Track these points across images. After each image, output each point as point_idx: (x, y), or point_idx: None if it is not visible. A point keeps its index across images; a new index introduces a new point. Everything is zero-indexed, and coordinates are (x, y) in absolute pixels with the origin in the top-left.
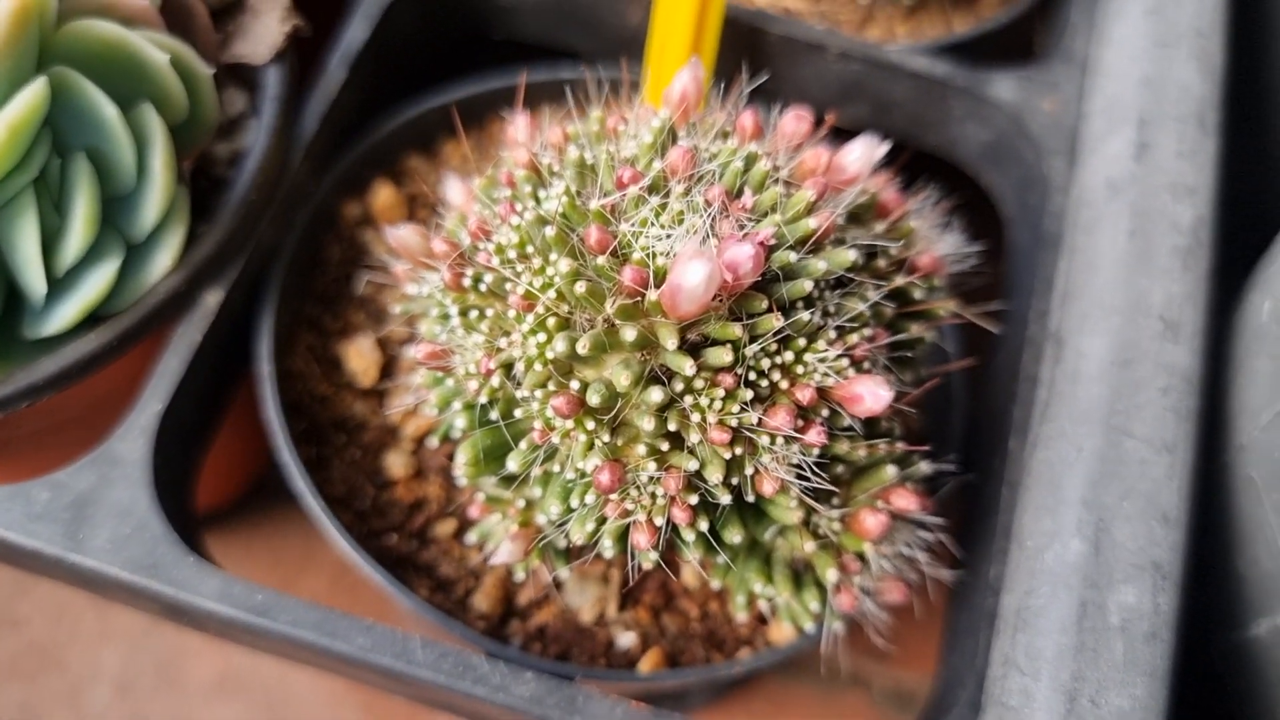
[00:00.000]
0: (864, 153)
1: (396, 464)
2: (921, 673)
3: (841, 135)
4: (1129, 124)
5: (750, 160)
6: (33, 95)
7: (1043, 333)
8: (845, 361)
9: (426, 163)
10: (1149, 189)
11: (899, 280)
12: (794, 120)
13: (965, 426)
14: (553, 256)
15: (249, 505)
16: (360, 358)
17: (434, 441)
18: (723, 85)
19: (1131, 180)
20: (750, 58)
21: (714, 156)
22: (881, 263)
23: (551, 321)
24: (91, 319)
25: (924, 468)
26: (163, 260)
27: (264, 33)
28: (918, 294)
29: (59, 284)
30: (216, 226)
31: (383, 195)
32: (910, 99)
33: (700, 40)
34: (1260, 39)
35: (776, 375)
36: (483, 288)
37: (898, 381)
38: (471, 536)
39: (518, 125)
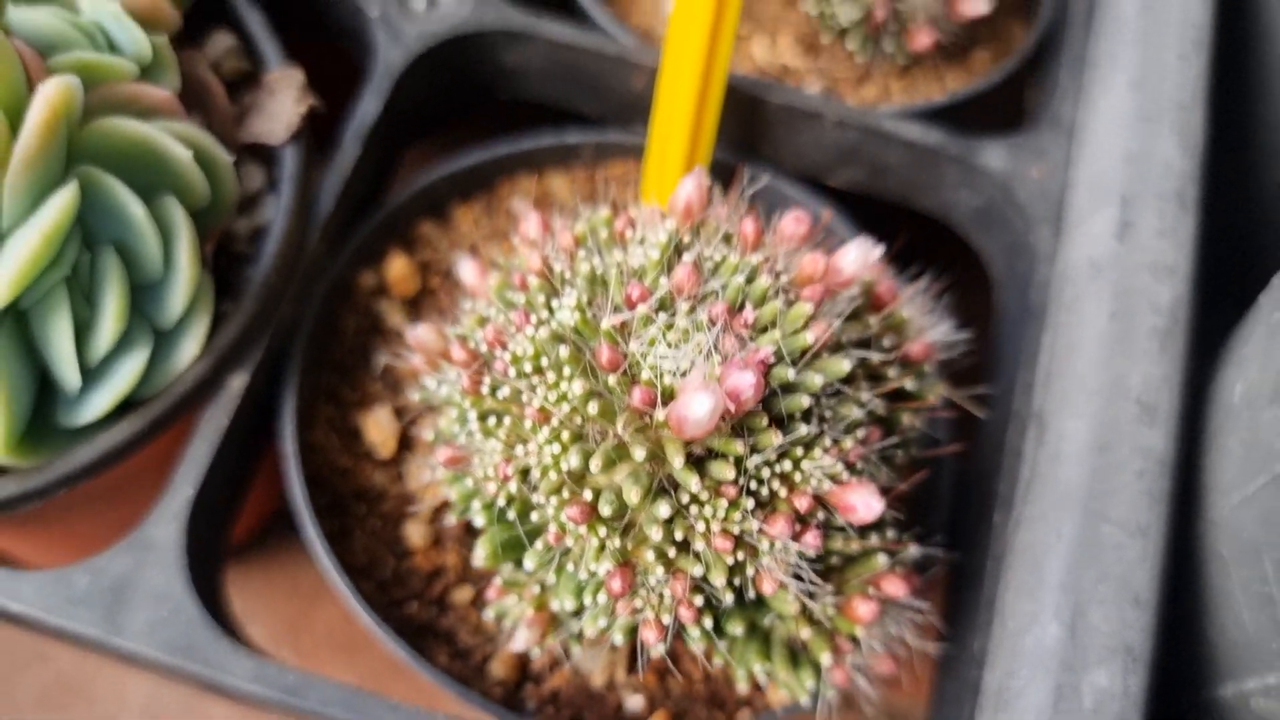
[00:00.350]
0: (859, 255)
1: (415, 533)
2: (914, 696)
3: (838, 197)
4: (1112, 202)
5: (751, 274)
6: (65, 201)
7: (1027, 408)
8: (840, 466)
9: (438, 228)
10: (1130, 268)
11: (892, 379)
12: (793, 222)
13: (953, 493)
14: (566, 371)
15: (268, 536)
16: (379, 429)
17: (451, 518)
18: (724, 154)
19: (1113, 260)
20: (750, 125)
21: (717, 268)
22: (875, 358)
23: (566, 435)
24: (123, 404)
25: (913, 551)
26: (189, 348)
27: (280, 111)
28: (909, 385)
29: (91, 374)
30: (239, 311)
31: (396, 265)
32: (905, 164)
33: (702, 116)
34: (1251, 70)
35: (776, 484)
36: (500, 395)
37: (889, 474)
38: (489, 613)
39: (530, 223)
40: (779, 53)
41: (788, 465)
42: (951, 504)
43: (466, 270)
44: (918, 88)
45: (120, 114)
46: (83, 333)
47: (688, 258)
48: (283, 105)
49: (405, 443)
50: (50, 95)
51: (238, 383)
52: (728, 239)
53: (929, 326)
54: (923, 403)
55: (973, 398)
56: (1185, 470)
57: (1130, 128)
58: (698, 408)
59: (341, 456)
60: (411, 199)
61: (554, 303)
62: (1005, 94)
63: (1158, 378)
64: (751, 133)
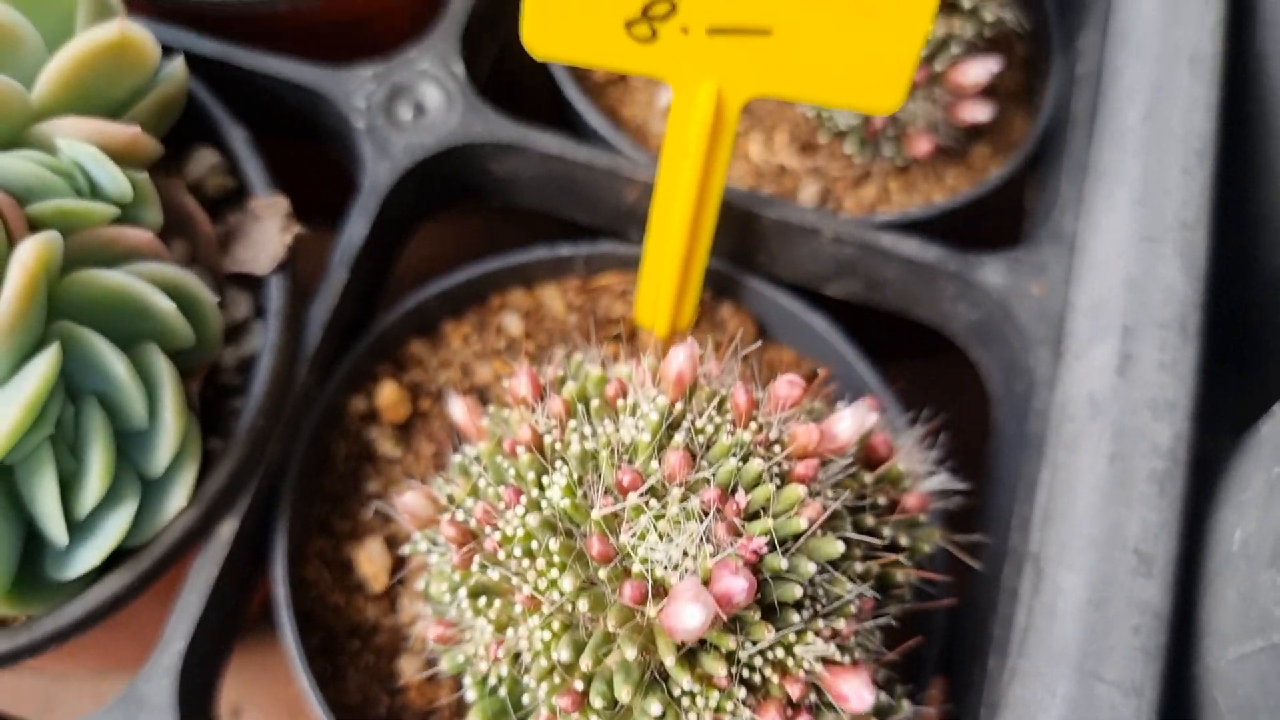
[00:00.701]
0: (854, 424)
1: (409, 667)
2: None
3: (834, 306)
4: (1113, 332)
5: (745, 455)
6: (45, 369)
7: (1024, 546)
8: (833, 647)
9: (428, 347)
10: (1130, 405)
11: (885, 552)
12: (786, 386)
13: (947, 627)
14: (556, 559)
15: (266, 620)
16: (370, 563)
17: (444, 667)
18: (720, 264)
19: (1114, 396)
20: (746, 237)
21: (710, 445)
22: (869, 519)
23: (556, 624)
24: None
25: (906, 709)
26: (177, 499)
27: (265, 241)
28: (904, 540)
29: (79, 527)
30: (228, 456)
31: (387, 391)
32: (902, 278)
33: (696, 240)
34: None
35: (768, 670)
36: (491, 575)
37: (881, 637)
38: None
39: (520, 380)
40: (775, 151)
41: (780, 652)
42: (946, 637)
43: (457, 410)
44: (917, 187)
45: (101, 258)
46: (69, 485)
47: (679, 438)
48: (268, 234)
49: (397, 570)
50: (28, 261)
51: (227, 530)
52: (721, 405)
53: (925, 475)
54: (916, 569)
55: (968, 545)
56: (1183, 609)
57: (1132, 249)
58: (689, 620)
59: (333, 592)
60: (402, 318)
61: (545, 479)
62: (1005, 195)
63: (1156, 524)
64: (747, 244)
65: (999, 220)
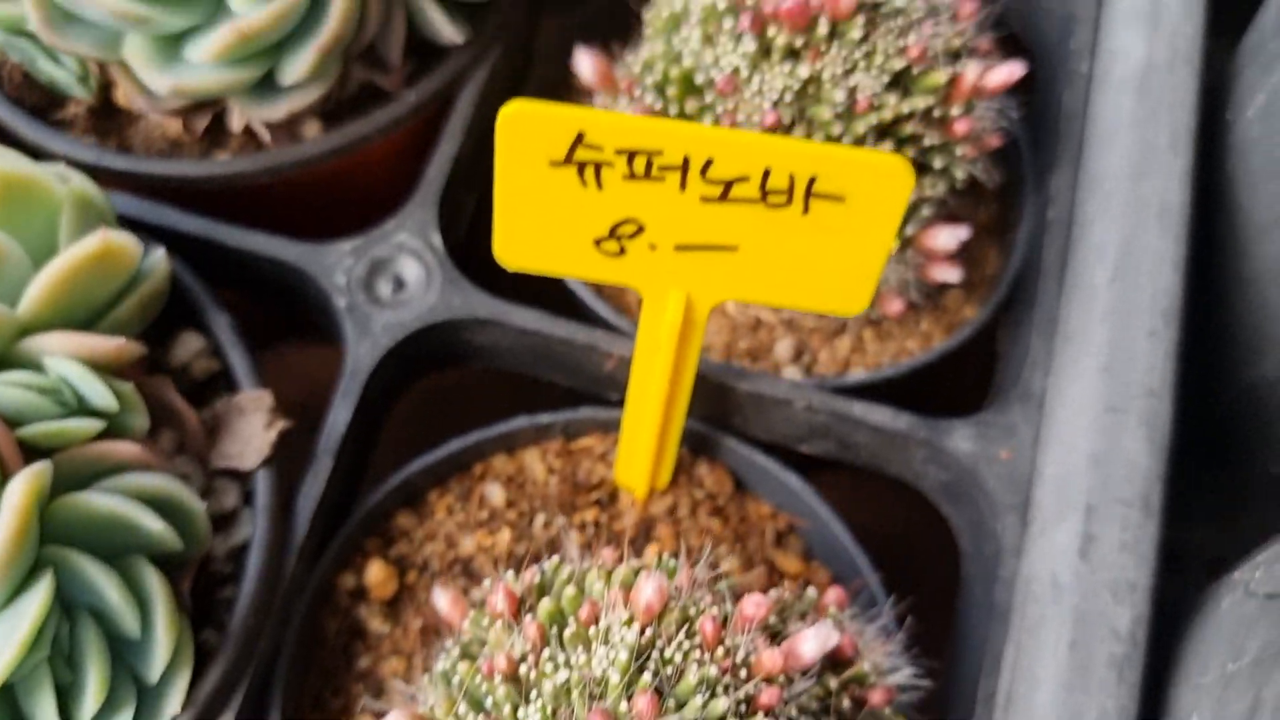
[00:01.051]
0: (818, 643)
1: None
2: None
3: (808, 462)
4: (1077, 510)
5: (712, 691)
6: (41, 602)
7: None
8: None
9: (414, 518)
10: (1091, 588)
11: None
12: (753, 606)
13: None
14: None
15: None
16: None
17: None
18: (697, 425)
19: (1075, 580)
20: (721, 403)
21: (680, 673)
22: None
23: None
24: None
25: None
26: (172, 705)
27: (250, 435)
28: None
29: None
30: (221, 656)
31: (375, 569)
32: (874, 442)
33: (672, 414)
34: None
35: None
36: None
37: None
38: None
39: (497, 597)
40: (751, 304)
41: None
42: None
43: (441, 602)
44: (891, 335)
45: (89, 474)
46: (67, 693)
47: (647, 678)
48: (253, 428)
49: None
50: (19, 503)
51: None
52: (690, 628)
53: (891, 668)
54: None
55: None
56: None
57: (1097, 422)
58: None
59: None
60: (389, 494)
61: (520, 711)
62: (978, 341)
63: (1114, 711)
64: (722, 409)
65: (971, 365)
